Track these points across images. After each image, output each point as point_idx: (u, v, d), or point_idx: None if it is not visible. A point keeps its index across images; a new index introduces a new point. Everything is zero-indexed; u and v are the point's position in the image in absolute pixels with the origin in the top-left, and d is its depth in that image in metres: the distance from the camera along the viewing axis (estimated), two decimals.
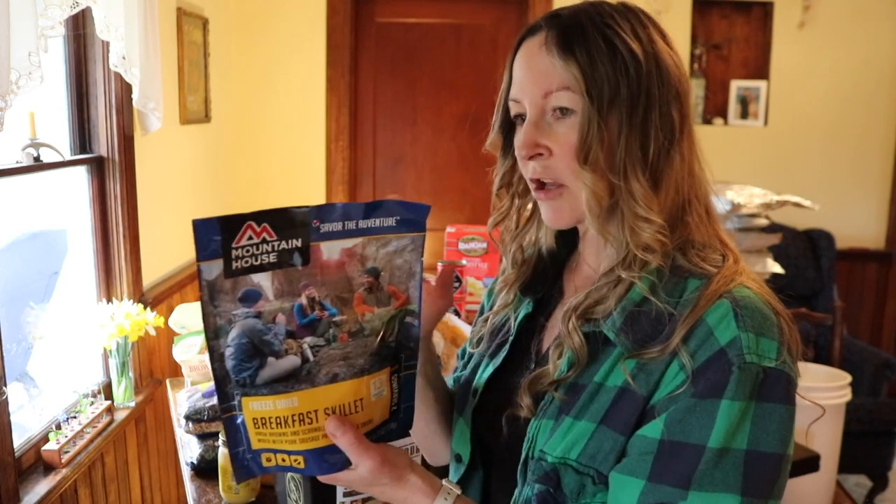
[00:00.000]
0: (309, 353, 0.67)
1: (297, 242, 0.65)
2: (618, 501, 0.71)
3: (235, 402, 0.67)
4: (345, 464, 0.72)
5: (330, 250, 0.66)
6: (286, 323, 0.66)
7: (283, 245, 0.64)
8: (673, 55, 0.80)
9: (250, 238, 0.63)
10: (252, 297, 0.64)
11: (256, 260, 0.63)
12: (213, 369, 0.66)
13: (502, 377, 0.89)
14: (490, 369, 0.91)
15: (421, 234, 0.72)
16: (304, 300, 0.66)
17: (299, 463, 0.69)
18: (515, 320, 0.91)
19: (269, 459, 0.69)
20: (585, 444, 0.74)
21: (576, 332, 0.77)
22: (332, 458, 0.71)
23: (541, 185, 0.82)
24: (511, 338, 0.91)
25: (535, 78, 0.79)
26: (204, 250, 0.62)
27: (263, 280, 0.64)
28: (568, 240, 0.94)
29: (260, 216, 0.63)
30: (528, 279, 0.93)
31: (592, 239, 0.86)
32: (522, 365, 0.88)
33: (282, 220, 0.64)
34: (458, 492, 0.78)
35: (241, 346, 0.65)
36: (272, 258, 0.64)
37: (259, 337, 0.65)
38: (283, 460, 0.69)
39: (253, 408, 0.66)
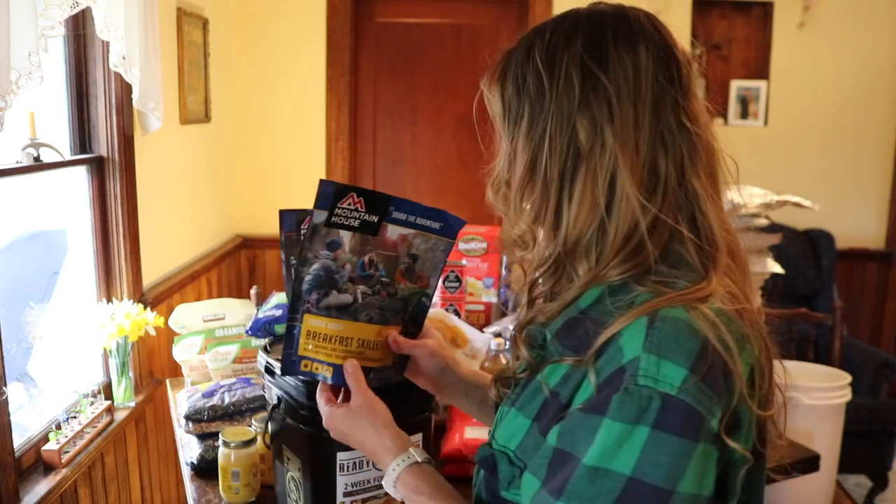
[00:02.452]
0: (359, 296, 0.91)
1: (375, 219, 0.89)
2: (522, 499, 0.73)
3: (299, 315, 0.89)
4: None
5: (392, 232, 0.91)
6: (350, 271, 0.90)
7: (367, 217, 0.88)
8: (610, 63, 0.76)
9: (350, 204, 0.87)
10: (335, 245, 0.88)
11: (346, 221, 0.88)
12: (293, 288, 0.89)
13: None
14: None
15: (451, 241, 0.95)
16: (366, 259, 0.90)
17: (329, 373, 0.91)
18: None
19: (306, 365, 0.91)
20: (522, 439, 0.76)
21: (524, 333, 0.82)
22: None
23: None
24: None
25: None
26: (320, 201, 0.86)
27: (346, 237, 0.88)
28: None
29: (360, 192, 0.87)
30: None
31: None
32: None
33: (373, 199, 0.88)
34: (420, 459, 0.84)
35: (318, 277, 0.88)
36: (356, 224, 0.88)
37: (331, 274, 0.89)
38: (317, 368, 0.91)
39: (310, 323, 0.90)
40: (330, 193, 0.86)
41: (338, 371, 0.91)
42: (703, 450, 0.64)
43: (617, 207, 0.74)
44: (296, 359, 0.91)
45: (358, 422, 0.88)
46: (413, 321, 0.98)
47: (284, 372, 0.93)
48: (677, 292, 0.70)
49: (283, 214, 1.07)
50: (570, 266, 0.78)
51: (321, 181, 0.86)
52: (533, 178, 0.77)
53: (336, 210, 0.87)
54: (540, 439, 0.73)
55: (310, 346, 0.90)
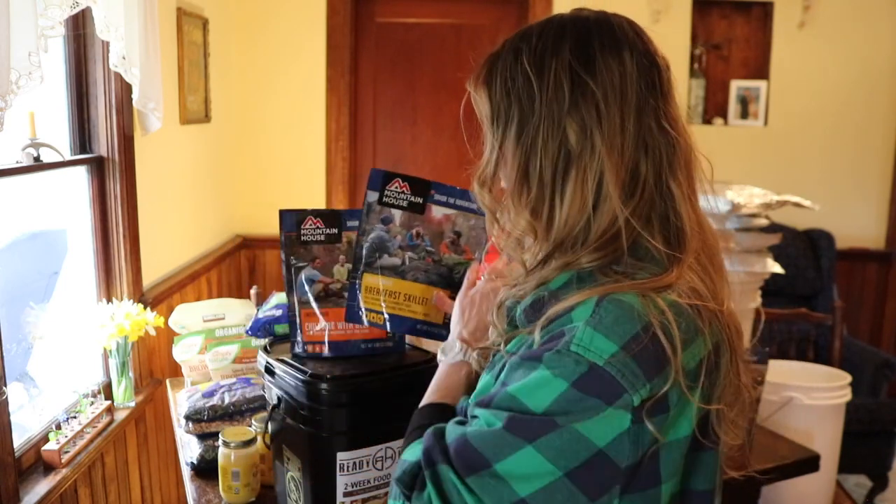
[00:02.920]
0: (407, 260, 1.11)
1: (420, 200, 1.08)
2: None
3: (359, 273, 1.09)
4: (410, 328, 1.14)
5: (437, 211, 1.10)
6: (401, 241, 1.09)
7: (413, 199, 1.08)
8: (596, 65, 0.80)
9: (396, 188, 1.07)
10: (387, 220, 1.08)
11: (395, 201, 1.08)
12: (356, 252, 1.09)
13: None
14: None
15: None
16: (414, 232, 1.09)
17: (384, 321, 1.10)
18: None
19: (367, 314, 1.09)
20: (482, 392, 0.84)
21: (500, 307, 0.87)
22: (401, 324, 1.13)
23: None
24: None
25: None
26: (371, 184, 1.07)
27: (396, 214, 1.08)
28: None
29: (405, 177, 1.08)
30: None
31: None
32: None
33: (415, 184, 1.07)
34: (472, 364, 0.93)
35: (374, 244, 1.08)
36: (404, 203, 1.08)
37: (383, 242, 1.08)
38: (374, 318, 1.09)
39: (367, 280, 1.09)
40: (379, 177, 1.06)
41: (390, 318, 1.10)
42: (614, 414, 0.69)
43: (601, 206, 0.78)
44: (359, 309, 1.09)
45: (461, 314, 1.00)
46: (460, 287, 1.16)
47: (349, 319, 1.10)
48: (633, 282, 0.75)
49: (283, 214, 1.14)
50: (554, 258, 0.82)
51: (372, 170, 1.08)
52: (527, 180, 0.81)
53: (385, 192, 1.06)
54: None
55: (369, 299, 1.09)
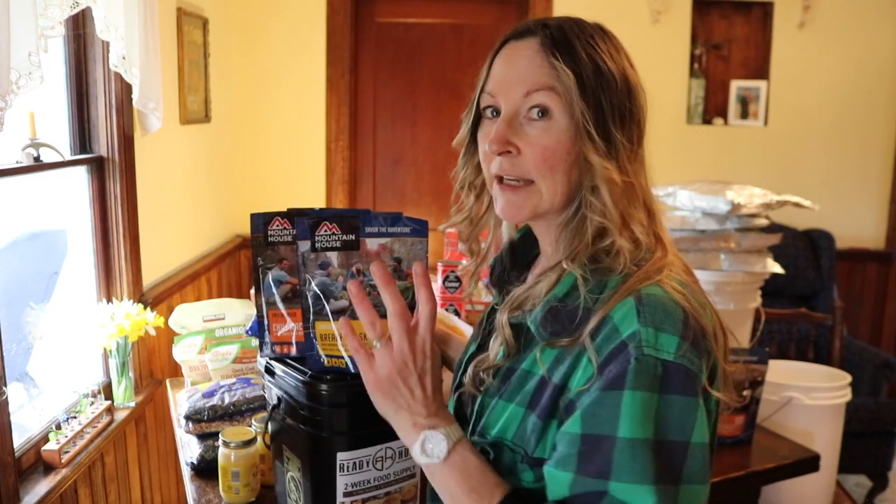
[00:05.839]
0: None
1: (353, 237, 1.04)
2: (554, 494, 0.75)
3: (310, 323, 1.06)
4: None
5: (371, 243, 1.05)
6: (343, 282, 1.05)
7: (345, 238, 1.04)
8: (637, 77, 0.85)
9: (325, 231, 1.03)
10: (325, 265, 1.04)
11: (329, 244, 1.04)
12: (302, 304, 1.05)
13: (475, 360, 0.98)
14: (468, 353, 1.00)
15: (425, 239, 1.08)
16: (354, 270, 1.05)
17: (345, 364, 1.06)
18: (487, 310, 1.03)
19: (329, 360, 1.06)
20: (518, 427, 0.80)
21: (507, 324, 0.85)
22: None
23: (500, 180, 0.86)
24: (483, 325, 1.00)
25: (520, 75, 0.83)
26: (300, 234, 1.03)
27: (333, 256, 1.04)
28: (532, 240, 0.99)
29: (332, 218, 1.04)
30: (499, 274, 1.02)
31: (542, 236, 0.92)
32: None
33: (343, 222, 1.04)
34: (451, 439, 0.80)
35: (316, 293, 1.04)
36: (338, 244, 1.04)
37: (327, 288, 1.05)
38: (337, 363, 1.06)
39: (320, 329, 1.05)
40: (306, 226, 1.04)
41: (350, 360, 1.07)
42: (701, 403, 0.73)
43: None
44: (318, 357, 1.07)
45: (403, 381, 0.83)
46: (412, 311, 1.09)
47: (313, 369, 1.07)
48: (644, 271, 0.78)
49: (253, 217, 1.14)
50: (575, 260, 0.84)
51: (296, 220, 1.05)
52: (608, 159, 0.81)
53: (316, 237, 1.03)
54: (537, 423, 0.78)
55: (327, 345, 1.06)
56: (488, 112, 0.88)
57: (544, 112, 0.82)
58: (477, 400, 0.88)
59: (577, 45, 0.81)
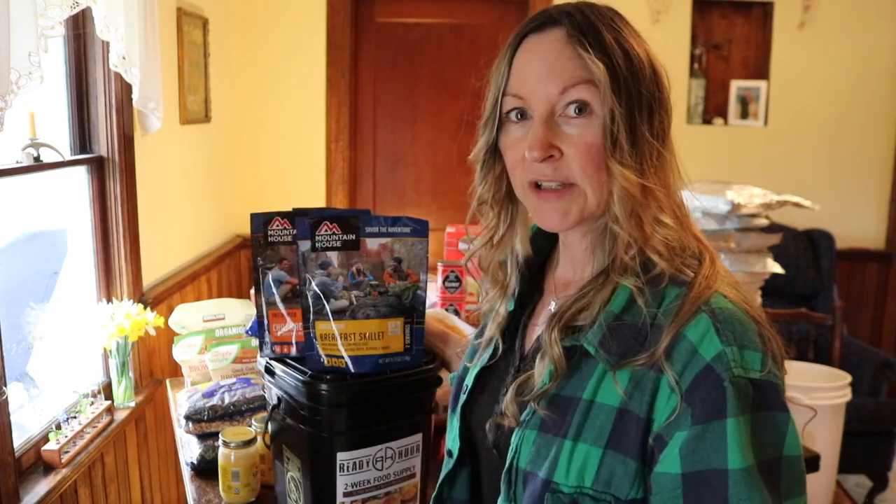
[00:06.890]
0: (354, 300, 1.08)
1: (353, 236, 1.06)
2: None
3: (310, 323, 1.07)
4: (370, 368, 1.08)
5: (371, 243, 1.07)
6: (343, 281, 1.06)
7: (345, 237, 1.06)
8: (657, 57, 0.80)
9: (326, 231, 1.05)
10: (325, 264, 1.06)
11: (329, 243, 1.05)
12: (302, 303, 1.07)
13: (490, 374, 0.91)
14: (478, 367, 0.92)
15: (425, 239, 1.10)
16: (354, 270, 1.07)
17: (345, 364, 1.07)
18: (503, 318, 0.92)
19: (329, 360, 1.07)
20: (597, 471, 0.71)
21: (557, 343, 0.76)
22: (363, 363, 1.09)
23: (537, 186, 0.79)
24: (496, 337, 0.91)
25: (551, 70, 0.76)
26: (300, 234, 1.04)
27: (333, 256, 1.06)
28: (540, 243, 0.93)
29: (332, 218, 1.05)
30: (521, 285, 0.92)
31: (576, 243, 0.85)
32: (508, 363, 0.89)
33: (343, 222, 1.05)
34: None
35: (316, 292, 1.06)
36: (338, 244, 1.05)
37: (327, 287, 1.06)
38: (337, 363, 1.07)
39: (320, 328, 1.07)
40: (306, 226, 1.04)
41: (350, 360, 1.07)
42: (791, 415, 0.70)
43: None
44: (318, 357, 1.07)
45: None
46: (414, 311, 1.12)
47: (313, 368, 1.07)
48: (702, 278, 0.74)
49: (253, 217, 1.15)
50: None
51: (296, 219, 1.06)
52: (648, 152, 0.77)
53: (316, 237, 1.04)
54: (629, 463, 0.71)
55: (326, 345, 1.07)
56: (513, 115, 0.80)
57: (582, 108, 0.75)
58: (514, 431, 0.78)
59: (604, 32, 0.75)
